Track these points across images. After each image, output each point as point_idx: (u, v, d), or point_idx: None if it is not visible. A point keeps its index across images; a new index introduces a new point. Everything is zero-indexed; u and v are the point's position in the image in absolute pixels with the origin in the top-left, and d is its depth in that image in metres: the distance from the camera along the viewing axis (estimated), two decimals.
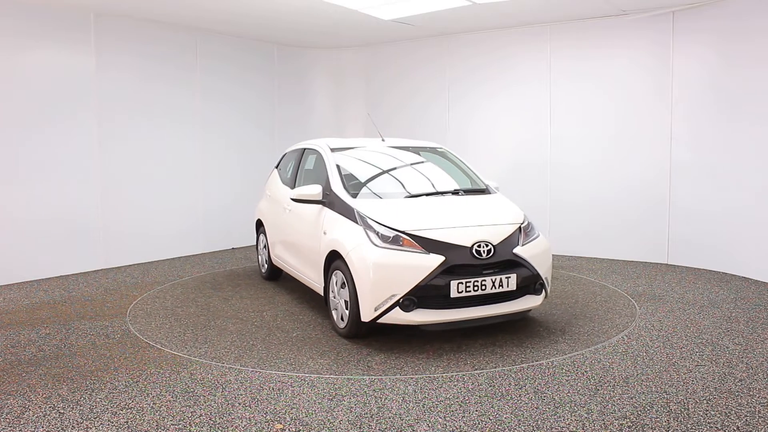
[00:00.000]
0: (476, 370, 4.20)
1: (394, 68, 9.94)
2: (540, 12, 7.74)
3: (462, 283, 4.47)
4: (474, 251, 4.56)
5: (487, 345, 4.70)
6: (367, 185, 5.45)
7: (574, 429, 3.31)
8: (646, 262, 7.81)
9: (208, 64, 8.87)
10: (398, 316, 4.47)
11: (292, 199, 5.58)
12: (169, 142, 8.45)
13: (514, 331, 5.06)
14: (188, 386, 3.95)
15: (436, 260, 4.45)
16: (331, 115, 10.64)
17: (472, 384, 3.95)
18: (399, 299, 4.42)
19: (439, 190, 5.45)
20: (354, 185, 5.36)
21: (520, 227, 4.94)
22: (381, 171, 5.71)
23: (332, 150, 5.84)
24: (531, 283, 4.81)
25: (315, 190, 5.41)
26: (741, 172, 6.89)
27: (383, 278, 4.45)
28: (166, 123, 8.40)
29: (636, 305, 5.82)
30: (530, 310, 5.11)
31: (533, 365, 4.28)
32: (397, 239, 4.57)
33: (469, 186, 5.69)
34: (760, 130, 6.66)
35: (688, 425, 3.34)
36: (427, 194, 5.33)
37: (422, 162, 5.92)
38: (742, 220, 6.90)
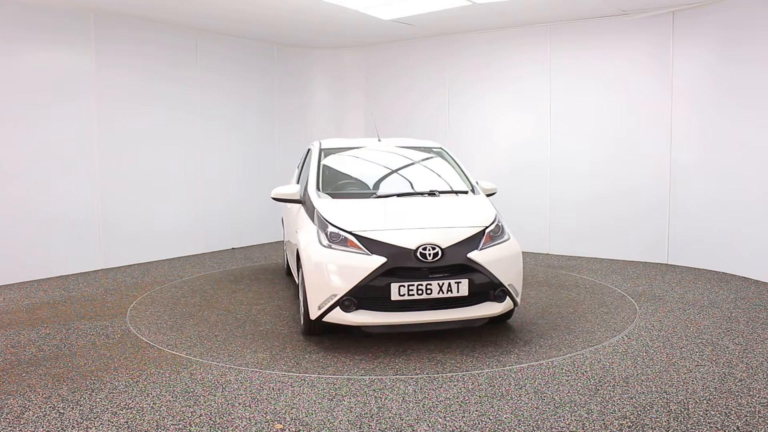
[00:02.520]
0: (476, 370, 4.20)
1: (393, 68, 9.94)
2: (540, 12, 7.74)
3: (404, 285, 4.37)
4: (419, 254, 4.43)
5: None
6: (341, 186, 5.48)
7: (574, 429, 3.31)
8: (646, 262, 7.81)
9: (207, 65, 8.86)
10: (339, 316, 4.46)
11: (272, 198, 5.62)
12: (169, 142, 8.45)
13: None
14: (188, 386, 3.95)
15: (376, 261, 4.40)
16: (331, 115, 10.63)
17: (472, 384, 3.95)
18: (339, 299, 4.41)
19: (414, 191, 5.35)
20: (329, 185, 5.40)
21: (484, 230, 4.73)
22: (363, 172, 5.72)
23: (323, 150, 5.87)
24: (489, 290, 4.59)
25: (292, 190, 5.49)
26: (741, 172, 6.89)
27: (324, 277, 4.47)
28: (165, 123, 8.40)
29: (636, 305, 5.82)
30: (503, 317, 5.06)
31: (533, 365, 4.28)
32: (344, 239, 4.56)
33: (451, 187, 5.48)
34: (760, 130, 6.66)
35: (688, 425, 3.34)
36: (399, 195, 5.22)
37: (412, 162, 5.88)
38: (742, 220, 6.89)
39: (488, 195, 5.63)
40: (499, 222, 4.92)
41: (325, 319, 4.52)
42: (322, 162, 5.66)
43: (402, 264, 4.42)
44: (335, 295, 4.42)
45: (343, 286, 4.40)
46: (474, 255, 4.54)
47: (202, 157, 8.90)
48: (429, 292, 4.41)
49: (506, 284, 4.63)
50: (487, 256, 4.57)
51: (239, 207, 9.38)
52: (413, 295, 4.40)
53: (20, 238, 7.00)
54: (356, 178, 5.66)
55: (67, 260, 7.44)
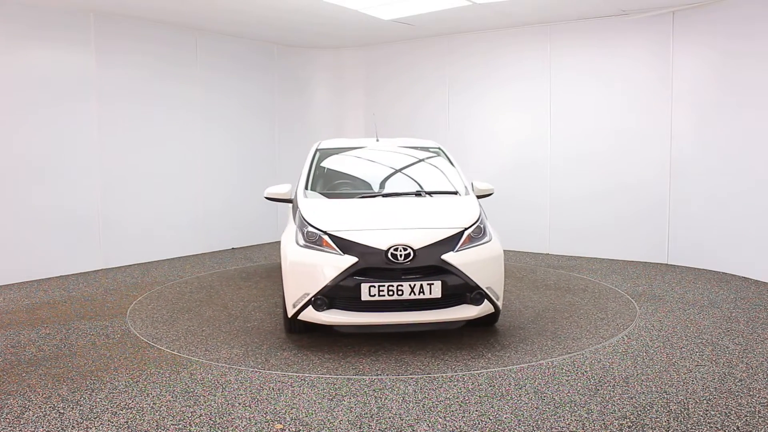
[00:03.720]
0: (476, 370, 4.20)
1: (394, 68, 9.94)
2: (540, 12, 7.74)
3: (374, 286, 4.35)
4: (389, 255, 4.40)
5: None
6: (334, 186, 5.50)
7: (574, 429, 3.31)
8: (646, 262, 7.80)
9: (208, 64, 8.86)
10: (312, 315, 4.50)
11: (265, 197, 5.64)
12: (169, 142, 8.45)
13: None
14: (188, 386, 3.95)
15: (347, 262, 4.40)
16: (331, 114, 10.64)
17: (472, 384, 3.95)
18: (311, 298, 4.45)
19: (401, 191, 5.31)
20: (323, 186, 5.44)
21: (463, 231, 4.63)
22: (356, 172, 5.74)
23: (319, 150, 5.89)
24: (465, 292, 4.49)
25: (283, 189, 5.53)
26: (741, 172, 6.89)
27: (298, 276, 4.52)
28: (165, 123, 8.39)
29: (636, 305, 5.82)
30: (488, 322, 5.02)
31: (533, 365, 4.28)
32: (319, 239, 4.59)
33: (440, 187, 5.41)
34: (760, 129, 6.66)
35: (688, 425, 3.34)
36: (384, 195, 5.21)
37: (406, 163, 5.86)
38: (742, 220, 6.89)
39: (484, 195, 5.60)
40: (481, 223, 4.81)
41: (300, 317, 4.57)
42: (317, 162, 5.70)
43: (373, 264, 4.42)
44: (308, 294, 4.46)
45: (315, 285, 4.43)
46: (448, 257, 4.47)
47: (202, 156, 8.89)
48: (400, 293, 4.37)
49: (484, 287, 4.52)
50: (462, 258, 4.49)
51: (239, 207, 9.37)
52: (384, 295, 4.37)
53: (20, 238, 6.99)
54: (348, 179, 5.67)
55: (67, 260, 7.43)
